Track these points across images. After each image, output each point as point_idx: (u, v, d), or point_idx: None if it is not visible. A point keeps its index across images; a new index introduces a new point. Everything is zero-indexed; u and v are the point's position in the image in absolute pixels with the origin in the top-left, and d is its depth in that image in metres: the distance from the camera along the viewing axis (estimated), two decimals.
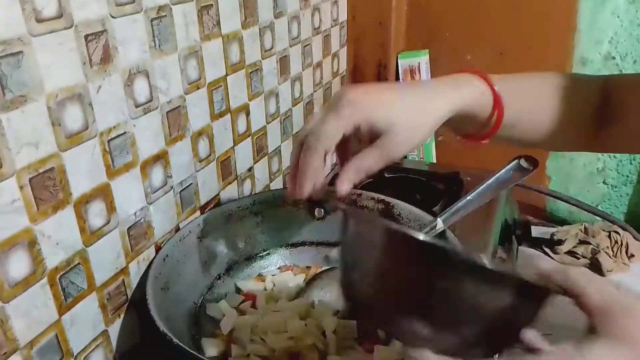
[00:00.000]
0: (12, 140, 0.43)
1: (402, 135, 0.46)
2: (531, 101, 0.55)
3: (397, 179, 1.06)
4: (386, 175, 1.06)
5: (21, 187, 0.44)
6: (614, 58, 1.05)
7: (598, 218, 1.12)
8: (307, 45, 0.92)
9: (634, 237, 1.07)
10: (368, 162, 0.47)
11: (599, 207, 1.15)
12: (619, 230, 1.06)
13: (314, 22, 0.93)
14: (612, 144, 0.60)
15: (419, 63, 1.13)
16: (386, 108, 0.46)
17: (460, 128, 0.54)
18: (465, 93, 0.50)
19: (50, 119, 0.46)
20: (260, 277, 0.70)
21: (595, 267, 1.03)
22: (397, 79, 1.15)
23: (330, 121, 0.45)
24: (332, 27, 1.02)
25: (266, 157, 0.85)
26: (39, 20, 0.43)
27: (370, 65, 1.13)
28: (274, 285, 0.68)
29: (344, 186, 0.48)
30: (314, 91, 0.99)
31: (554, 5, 1.05)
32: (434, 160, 1.21)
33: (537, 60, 1.09)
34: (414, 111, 0.47)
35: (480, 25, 1.12)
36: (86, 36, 0.48)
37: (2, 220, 0.43)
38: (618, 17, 1.02)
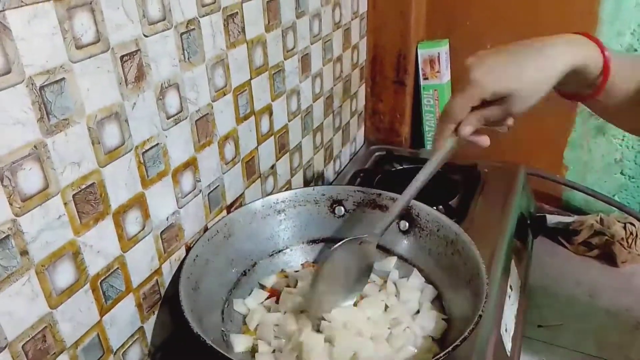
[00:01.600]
0: (57, 161, 0.46)
1: (522, 95, 0.53)
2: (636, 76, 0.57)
3: (415, 170, 1.08)
4: (404, 167, 1.08)
5: (65, 204, 0.47)
6: (635, 50, 1.04)
7: (614, 209, 1.13)
8: (327, 41, 0.93)
9: None
10: (490, 112, 0.55)
11: (616, 198, 1.16)
12: (635, 221, 1.07)
13: (334, 17, 0.94)
14: None
15: (438, 53, 1.13)
16: (504, 80, 0.53)
17: (566, 84, 0.56)
18: (580, 51, 0.54)
19: (90, 139, 0.48)
20: (283, 272, 0.74)
21: (610, 257, 1.05)
22: (417, 68, 1.15)
23: (458, 100, 0.55)
24: (352, 19, 1.02)
25: (288, 153, 0.87)
26: (79, 47, 0.46)
27: (389, 55, 1.13)
28: (297, 281, 0.71)
29: (467, 129, 0.56)
30: (334, 85, 1.00)
31: None
32: None
33: None
34: (530, 74, 0.53)
35: (500, 14, 1.11)
36: (122, 57, 0.50)
37: (50, 235, 0.46)
38: None
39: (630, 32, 1.03)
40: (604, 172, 1.16)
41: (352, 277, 0.64)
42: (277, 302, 0.68)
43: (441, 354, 0.50)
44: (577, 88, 0.58)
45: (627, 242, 1.06)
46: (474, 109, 0.56)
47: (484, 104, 0.55)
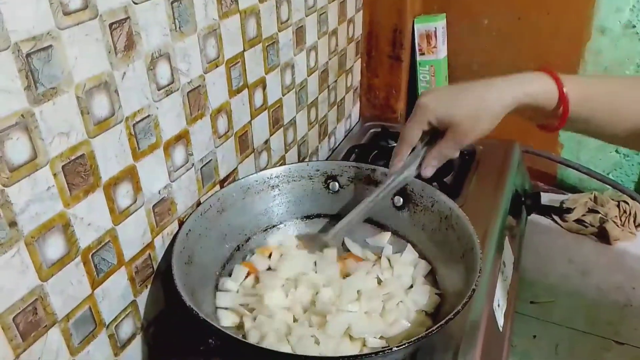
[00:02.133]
0: (45, 131, 0.44)
1: (464, 125, 0.57)
2: (609, 102, 0.57)
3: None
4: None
5: (55, 175, 0.46)
6: (634, 27, 1.03)
7: (608, 186, 1.14)
8: (323, 13, 0.91)
9: None
10: (444, 150, 0.60)
11: (610, 176, 1.16)
12: (628, 200, 1.08)
13: None
14: None
15: (435, 28, 1.11)
16: (449, 106, 0.57)
17: (531, 118, 0.59)
18: (530, 88, 0.55)
19: (79, 109, 0.47)
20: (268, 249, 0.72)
21: (603, 235, 1.06)
22: (413, 44, 1.14)
23: (409, 125, 0.60)
24: None
25: (282, 128, 0.86)
26: (66, 13, 0.44)
27: (385, 30, 1.12)
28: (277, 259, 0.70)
29: (428, 171, 0.62)
30: (329, 59, 0.99)
31: None
32: None
33: (555, 26, 1.08)
34: (473, 105, 0.56)
35: None
36: (110, 25, 0.49)
37: (39, 206, 0.45)
38: None
39: (630, 8, 1.02)
40: (598, 150, 1.16)
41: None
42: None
43: (434, 327, 0.50)
44: (543, 120, 0.58)
45: (621, 220, 1.06)
46: (428, 149, 0.61)
47: (435, 138, 0.60)
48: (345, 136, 1.16)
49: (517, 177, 1.03)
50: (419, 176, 0.64)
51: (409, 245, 0.71)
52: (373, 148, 1.03)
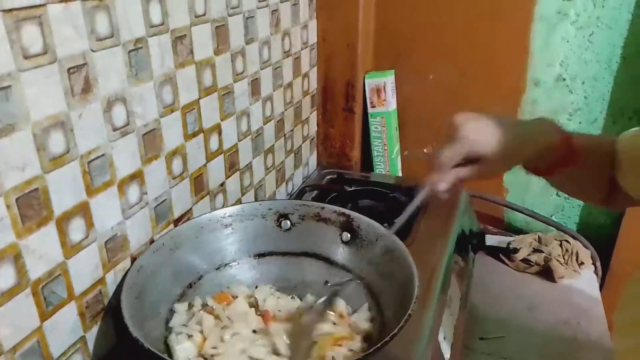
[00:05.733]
0: (1, 165, 0.47)
1: (495, 163, 0.61)
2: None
3: (366, 192, 1.12)
4: (356, 188, 1.13)
5: (8, 207, 0.49)
6: (564, 80, 1.13)
7: (552, 228, 1.20)
8: (277, 67, 0.98)
9: (584, 246, 1.15)
10: (465, 172, 0.62)
11: (553, 218, 1.23)
12: (570, 239, 1.14)
13: (284, 45, 0.99)
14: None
15: (384, 82, 1.19)
16: (488, 144, 0.60)
17: (529, 162, 0.67)
18: (546, 143, 0.64)
19: (35, 145, 0.51)
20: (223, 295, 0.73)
21: (548, 273, 1.11)
22: (364, 96, 1.21)
23: (448, 152, 0.61)
24: (302, 49, 1.08)
25: (238, 172, 0.90)
26: (26, 57, 0.48)
27: (339, 84, 1.19)
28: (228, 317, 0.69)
29: (443, 185, 0.62)
30: (285, 110, 1.05)
31: (509, 30, 1.13)
32: (399, 174, 1.28)
33: (495, 80, 1.17)
34: (506, 149, 0.61)
35: (443, 47, 1.19)
36: (69, 69, 0.53)
37: None
38: (567, 41, 1.10)
39: (559, 63, 1.13)
40: (541, 194, 1.23)
41: None
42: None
43: (370, 350, 0.53)
44: (543, 168, 0.67)
45: (564, 258, 1.12)
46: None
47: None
48: (304, 182, 1.20)
49: (465, 219, 1.08)
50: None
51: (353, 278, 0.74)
52: (331, 191, 1.08)
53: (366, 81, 1.20)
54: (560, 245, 1.13)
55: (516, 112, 1.18)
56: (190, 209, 0.78)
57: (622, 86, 1.09)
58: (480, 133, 0.61)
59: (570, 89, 1.14)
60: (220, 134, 0.83)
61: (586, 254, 1.14)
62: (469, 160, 0.61)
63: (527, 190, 1.24)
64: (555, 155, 0.64)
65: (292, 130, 1.10)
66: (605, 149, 0.68)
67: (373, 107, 1.21)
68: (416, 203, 0.65)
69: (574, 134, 0.66)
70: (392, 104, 1.22)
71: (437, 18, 1.18)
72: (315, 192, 1.08)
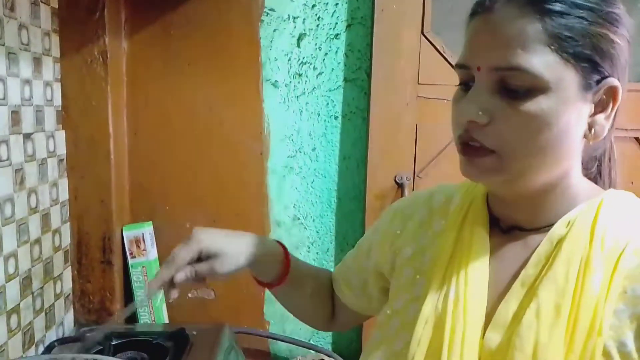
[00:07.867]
0: None
1: (227, 258, 0.71)
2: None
3: (130, 343, 1.10)
4: (118, 341, 1.10)
5: None
6: (299, 219, 1.36)
7: (311, 351, 1.33)
8: (23, 223, 0.98)
9: None
10: (200, 267, 0.70)
11: (311, 341, 1.36)
12: (326, 358, 1.28)
13: (30, 202, 1.00)
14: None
15: (142, 233, 1.26)
16: (218, 242, 0.71)
17: (257, 273, 0.78)
18: (266, 250, 0.76)
19: None
20: None
21: None
22: (123, 248, 1.25)
23: (181, 250, 0.69)
24: (52, 206, 1.10)
25: None
26: None
27: (94, 239, 1.21)
28: None
29: (180, 275, 0.69)
30: (32, 266, 1.02)
31: (249, 180, 1.33)
32: (166, 321, 1.29)
33: (244, 223, 1.34)
34: (237, 244, 0.73)
35: (195, 199, 1.33)
36: None
37: None
38: (296, 189, 1.35)
39: (293, 205, 1.35)
40: (298, 321, 1.37)
41: None
42: None
43: None
44: (267, 279, 0.78)
45: None
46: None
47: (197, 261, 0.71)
48: (60, 344, 1.12)
49: (230, 356, 1.13)
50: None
51: None
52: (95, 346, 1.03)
53: (124, 233, 1.24)
54: None
55: None
56: None
57: (342, 221, 1.36)
58: (210, 234, 0.72)
59: (305, 226, 1.36)
60: None
61: None
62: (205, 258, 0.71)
63: (287, 319, 1.37)
64: (278, 268, 0.77)
65: (41, 287, 1.05)
66: (324, 274, 0.88)
67: (133, 257, 1.25)
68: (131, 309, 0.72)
69: (295, 258, 0.81)
70: (152, 254, 1.27)
71: (188, 172, 1.33)
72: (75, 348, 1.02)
